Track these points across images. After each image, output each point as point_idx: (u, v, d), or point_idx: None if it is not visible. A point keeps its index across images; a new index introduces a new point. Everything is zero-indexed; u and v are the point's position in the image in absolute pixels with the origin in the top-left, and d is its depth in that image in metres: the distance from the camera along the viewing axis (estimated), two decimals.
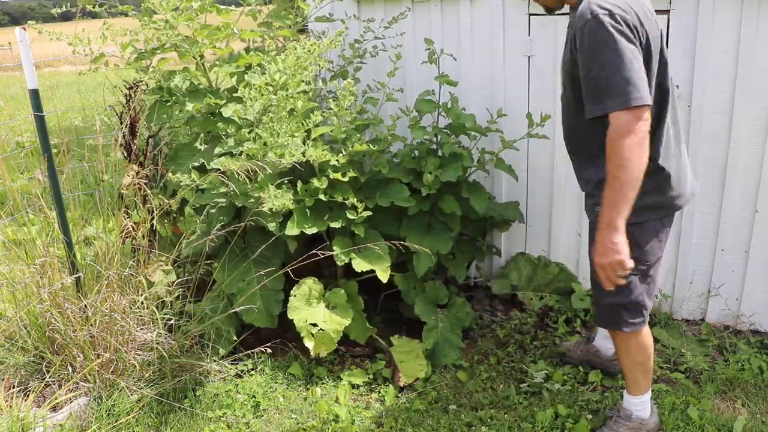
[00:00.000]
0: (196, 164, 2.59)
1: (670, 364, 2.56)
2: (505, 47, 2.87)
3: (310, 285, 2.53)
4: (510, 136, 2.77)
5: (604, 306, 2.01)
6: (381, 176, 2.69)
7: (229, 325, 2.60)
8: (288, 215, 2.49)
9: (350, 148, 2.55)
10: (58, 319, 2.27)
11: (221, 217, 2.58)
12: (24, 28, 2.24)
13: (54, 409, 2.20)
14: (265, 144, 2.36)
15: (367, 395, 2.46)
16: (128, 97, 2.71)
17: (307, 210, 2.52)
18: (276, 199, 2.37)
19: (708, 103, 2.56)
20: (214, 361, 2.50)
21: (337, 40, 2.50)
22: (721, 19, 2.45)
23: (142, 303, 2.35)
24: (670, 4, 2.52)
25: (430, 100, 2.76)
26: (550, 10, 2.00)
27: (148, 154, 2.73)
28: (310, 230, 2.47)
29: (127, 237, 2.56)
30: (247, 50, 2.69)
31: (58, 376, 2.30)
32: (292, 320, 2.45)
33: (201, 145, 2.71)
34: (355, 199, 2.49)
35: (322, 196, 2.51)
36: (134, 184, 2.54)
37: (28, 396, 2.21)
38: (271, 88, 2.37)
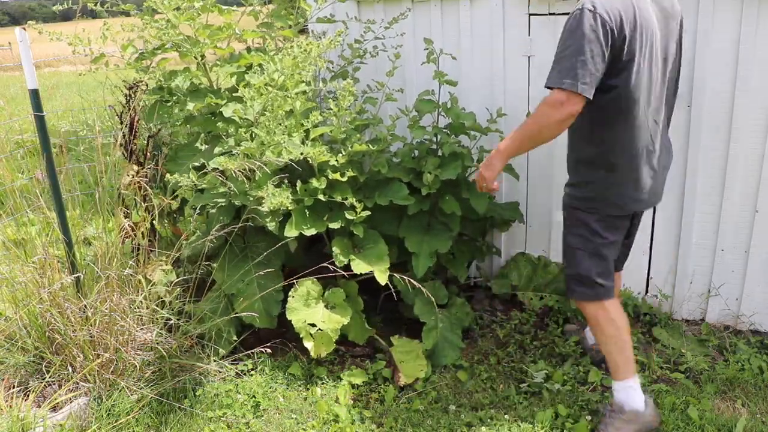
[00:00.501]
0: (197, 164, 2.59)
1: (670, 364, 2.56)
2: (505, 47, 2.87)
3: (308, 286, 2.53)
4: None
5: (565, 277, 2.26)
6: (380, 176, 2.69)
7: (229, 325, 2.60)
8: (287, 215, 2.49)
9: (350, 148, 2.55)
10: (58, 319, 2.27)
11: (221, 217, 2.58)
12: (24, 28, 2.24)
13: (54, 409, 2.20)
14: (262, 143, 2.36)
15: (367, 395, 2.46)
16: (128, 97, 2.71)
17: (306, 211, 2.52)
18: (274, 197, 2.36)
19: (708, 103, 2.56)
20: (214, 361, 2.50)
21: (337, 40, 2.50)
22: (721, 19, 2.45)
23: (141, 303, 2.35)
24: None
25: (429, 100, 2.76)
26: None
27: (148, 154, 2.73)
28: (309, 231, 2.47)
29: (126, 237, 2.56)
30: (248, 50, 2.69)
31: (58, 376, 2.30)
32: (290, 319, 2.45)
33: (201, 145, 2.71)
34: (354, 199, 2.49)
35: (321, 196, 2.51)
36: (134, 183, 2.54)
37: (28, 396, 2.21)
38: (270, 88, 2.37)
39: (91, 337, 2.26)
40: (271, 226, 2.46)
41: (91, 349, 2.27)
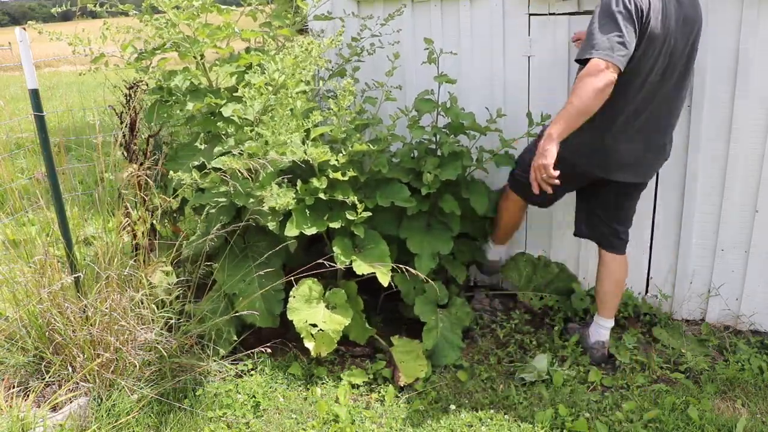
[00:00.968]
0: (196, 164, 2.59)
1: (670, 364, 2.56)
2: (505, 47, 2.86)
3: (309, 285, 2.53)
4: (510, 136, 2.77)
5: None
6: (380, 176, 2.69)
7: (229, 325, 2.60)
8: (288, 215, 2.49)
9: (350, 148, 2.55)
10: (58, 319, 2.27)
11: (221, 216, 2.58)
12: (24, 28, 2.23)
13: (54, 409, 2.20)
14: (266, 142, 2.36)
15: (367, 395, 2.46)
16: (128, 97, 2.70)
17: (306, 210, 2.52)
18: (278, 197, 2.37)
19: (708, 103, 2.56)
20: (214, 361, 2.50)
21: (338, 39, 2.50)
22: (721, 19, 2.45)
23: (142, 301, 2.35)
24: None
25: (429, 100, 2.76)
26: None
27: (148, 153, 2.73)
28: (309, 231, 2.47)
29: (126, 236, 2.56)
30: (248, 50, 2.69)
31: (58, 376, 2.30)
32: (291, 319, 2.45)
33: (201, 144, 2.71)
34: (355, 198, 2.49)
35: (321, 195, 2.51)
36: (134, 176, 2.53)
37: (28, 396, 2.21)
38: (270, 88, 2.37)
39: (91, 336, 2.26)
40: (272, 225, 2.46)
41: (91, 349, 2.27)
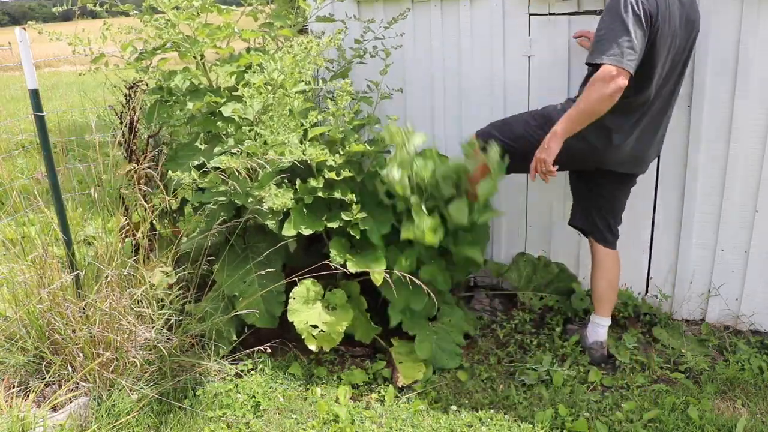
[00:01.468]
0: (197, 163, 2.58)
1: (670, 364, 2.56)
2: (505, 47, 2.86)
3: (308, 286, 2.53)
4: None
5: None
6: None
7: (230, 325, 2.60)
8: (286, 215, 2.49)
9: (347, 148, 2.55)
10: (58, 318, 2.27)
11: (222, 214, 2.58)
12: (24, 28, 2.23)
13: (54, 409, 2.20)
14: (265, 142, 2.36)
15: (367, 395, 2.46)
16: (128, 97, 2.70)
17: (304, 210, 2.52)
18: (277, 198, 2.37)
19: (708, 103, 2.56)
20: (214, 360, 2.50)
21: (337, 38, 2.50)
22: (721, 19, 2.45)
23: (140, 301, 2.34)
24: None
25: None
26: None
27: (148, 153, 2.73)
28: (307, 231, 2.47)
29: (126, 236, 2.56)
30: (248, 50, 2.69)
31: (58, 376, 2.30)
32: (291, 321, 2.45)
33: (201, 144, 2.70)
34: (354, 197, 2.48)
35: (320, 194, 2.51)
36: (134, 176, 2.53)
37: (28, 396, 2.21)
38: (270, 87, 2.37)
39: (91, 336, 2.26)
40: (272, 224, 2.46)
41: (91, 349, 2.27)
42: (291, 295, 2.50)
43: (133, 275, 2.39)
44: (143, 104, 2.69)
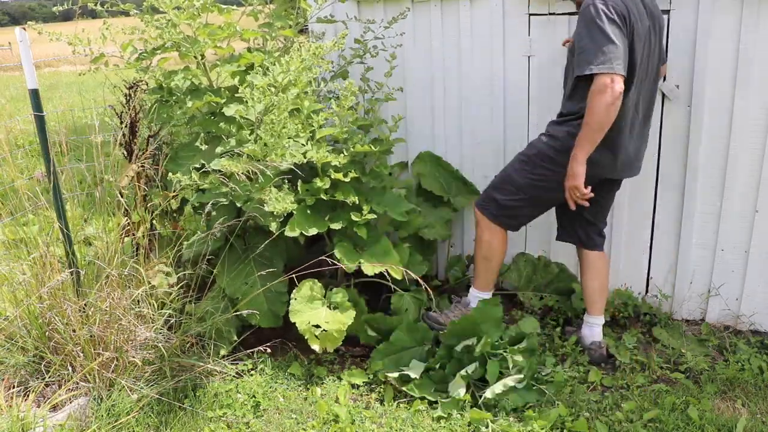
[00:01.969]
0: (197, 165, 2.58)
1: (670, 364, 2.56)
2: (505, 47, 2.87)
3: (310, 286, 2.53)
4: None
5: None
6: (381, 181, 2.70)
7: (230, 325, 2.60)
8: (289, 215, 2.48)
9: (351, 149, 2.55)
10: (58, 318, 2.27)
11: (222, 215, 2.57)
12: (24, 28, 2.23)
13: (54, 408, 2.20)
14: (266, 145, 2.36)
15: (367, 395, 2.46)
16: (128, 97, 2.70)
17: (307, 210, 2.52)
18: (277, 202, 2.36)
19: (708, 103, 2.56)
20: (215, 360, 2.50)
21: (341, 42, 2.50)
22: (721, 19, 2.45)
23: (142, 299, 2.34)
24: (670, 4, 2.52)
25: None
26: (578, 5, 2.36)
27: (148, 153, 2.73)
28: (310, 231, 2.47)
29: (126, 236, 2.56)
30: (249, 50, 2.69)
31: (58, 375, 2.30)
32: (294, 321, 2.45)
33: (201, 145, 2.70)
34: (357, 199, 2.48)
35: (323, 196, 2.51)
36: (134, 176, 2.53)
37: (28, 396, 2.21)
38: (273, 89, 2.37)
39: (91, 335, 2.26)
40: (273, 226, 2.46)
41: (91, 348, 2.27)
42: (293, 295, 2.50)
43: (134, 275, 2.39)
44: (143, 104, 2.69)
